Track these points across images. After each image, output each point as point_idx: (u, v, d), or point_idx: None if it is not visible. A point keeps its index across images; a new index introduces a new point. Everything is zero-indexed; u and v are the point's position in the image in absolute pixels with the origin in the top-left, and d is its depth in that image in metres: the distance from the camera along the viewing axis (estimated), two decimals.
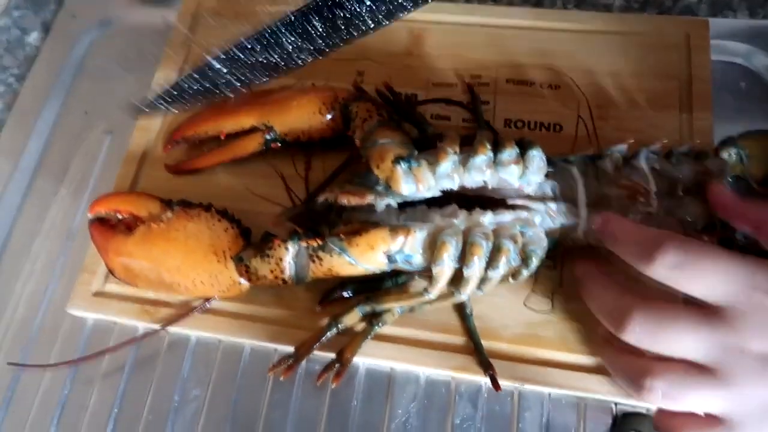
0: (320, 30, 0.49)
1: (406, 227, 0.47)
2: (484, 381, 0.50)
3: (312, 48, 0.50)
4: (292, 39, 0.50)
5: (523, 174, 0.48)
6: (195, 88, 0.52)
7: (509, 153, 0.47)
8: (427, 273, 0.47)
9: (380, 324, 0.50)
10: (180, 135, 0.59)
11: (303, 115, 0.56)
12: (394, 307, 0.50)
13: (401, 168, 0.47)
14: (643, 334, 0.39)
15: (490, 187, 0.48)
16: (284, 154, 0.57)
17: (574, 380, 0.49)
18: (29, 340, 0.56)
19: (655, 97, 0.58)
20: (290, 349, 0.52)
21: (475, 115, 0.59)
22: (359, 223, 0.49)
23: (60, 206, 0.62)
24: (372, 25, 0.50)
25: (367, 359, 0.52)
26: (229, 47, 0.50)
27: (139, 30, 0.71)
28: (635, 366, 0.40)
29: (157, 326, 0.54)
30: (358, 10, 0.49)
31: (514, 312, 0.51)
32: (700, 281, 0.37)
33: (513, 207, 0.48)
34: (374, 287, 0.51)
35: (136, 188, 0.60)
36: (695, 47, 0.60)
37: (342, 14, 0.49)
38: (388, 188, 0.48)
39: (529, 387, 0.50)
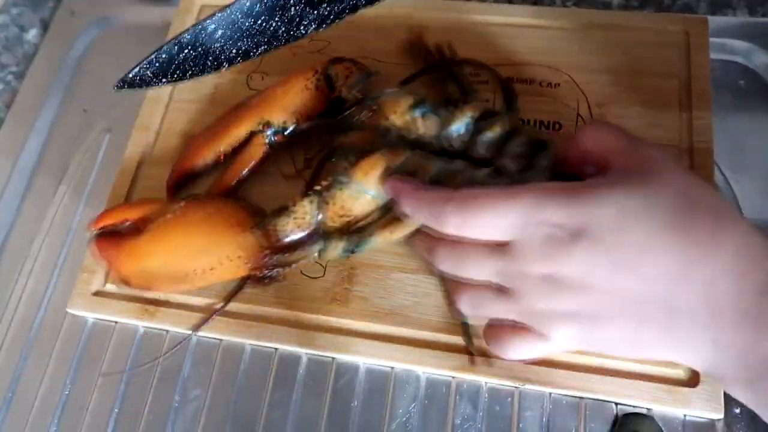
0: None
1: (405, 149, 0.49)
2: (485, 381, 0.50)
3: (316, 14, 0.50)
4: (297, 1, 0.49)
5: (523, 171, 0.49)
6: (184, 54, 0.49)
7: (517, 145, 0.49)
8: None
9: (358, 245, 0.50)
10: (177, 175, 0.58)
11: (292, 97, 0.56)
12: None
13: (420, 112, 0.50)
14: (448, 265, 0.45)
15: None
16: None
17: (574, 380, 0.49)
18: (29, 339, 0.56)
19: (654, 95, 0.58)
20: (293, 348, 0.52)
21: (504, 96, 0.59)
22: (360, 153, 0.50)
23: (59, 205, 0.62)
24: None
25: (367, 359, 0.52)
26: (227, 8, 0.48)
27: (138, 28, 0.71)
28: (451, 286, 0.47)
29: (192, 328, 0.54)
30: None
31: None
32: (483, 230, 0.42)
33: None
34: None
35: (136, 187, 0.60)
36: (694, 45, 0.60)
37: None
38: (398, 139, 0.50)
39: (529, 387, 0.50)
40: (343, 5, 0.50)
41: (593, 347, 0.43)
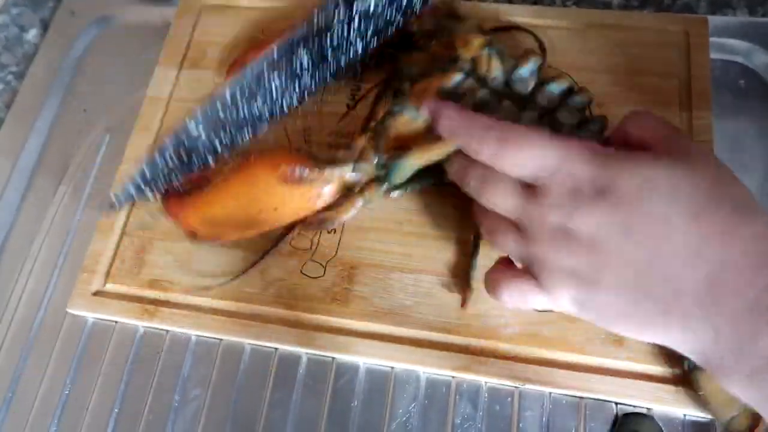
0: (306, 64, 0.50)
1: (457, 72, 0.50)
2: (485, 381, 0.50)
3: (299, 87, 0.51)
4: (277, 80, 0.49)
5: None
6: (170, 164, 0.50)
7: (579, 102, 0.52)
8: None
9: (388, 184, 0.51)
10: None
11: None
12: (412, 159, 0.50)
13: (486, 52, 0.51)
14: (473, 190, 0.46)
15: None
16: None
17: (574, 380, 0.49)
18: (29, 339, 0.56)
19: (654, 95, 0.58)
20: (292, 348, 0.52)
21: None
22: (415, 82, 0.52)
23: (59, 205, 0.62)
24: (360, 51, 0.51)
25: (367, 359, 0.52)
26: (207, 104, 0.49)
27: (138, 28, 0.71)
28: (474, 210, 0.48)
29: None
30: (346, 33, 0.50)
31: (514, 311, 0.51)
32: (515, 163, 0.43)
33: None
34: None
35: None
36: (695, 45, 0.60)
37: (329, 42, 0.50)
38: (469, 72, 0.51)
39: (529, 387, 0.50)
40: (324, 72, 0.52)
41: (586, 312, 0.42)
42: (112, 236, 0.57)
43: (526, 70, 0.51)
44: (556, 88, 0.50)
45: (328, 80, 0.52)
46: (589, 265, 0.40)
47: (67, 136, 0.66)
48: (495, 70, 0.51)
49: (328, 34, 0.49)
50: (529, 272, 0.44)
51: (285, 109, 0.51)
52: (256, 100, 0.50)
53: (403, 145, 0.50)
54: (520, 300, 0.45)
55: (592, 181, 0.40)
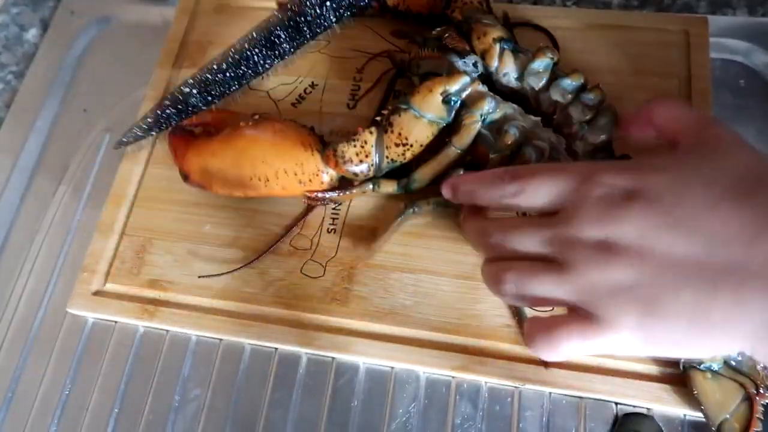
0: (284, 38, 0.54)
1: (462, 73, 0.51)
2: (485, 381, 0.50)
3: (276, 53, 0.55)
4: (258, 52, 0.54)
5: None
6: (169, 112, 0.56)
7: (590, 98, 0.50)
8: None
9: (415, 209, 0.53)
10: None
11: None
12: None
13: (499, 47, 0.52)
14: (497, 246, 0.43)
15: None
16: None
17: (574, 380, 0.49)
18: (29, 339, 0.56)
19: (654, 94, 0.58)
20: (292, 348, 0.52)
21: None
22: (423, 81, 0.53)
23: (59, 204, 0.62)
24: (335, 20, 0.55)
25: (367, 359, 0.52)
26: (200, 72, 0.55)
27: (137, 28, 0.71)
28: (493, 269, 0.43)
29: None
30: (320, 11, 0.53)
31: (513, 309, 0.51)
32: (536, 196, 0.41)
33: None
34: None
35: (139, 187, 0.60)
36: (695, 45, 0.60)
37: (304, 19, 0.53)
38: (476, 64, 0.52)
39: (529, 387, 0.50)
40: (300, 41, 0.55)
41: (654, 337, 0.38)
42: (112, 236, 0.58)
43: (541, 63, 0.51)
44: (569, 84, 0.50)
45: (305, 45, 0.55)
46: (644, 273, 0.37)
47: (67, 135, 0.66)
48: (507, 65, 0.51)
49: (303, 15, 0.54)
50: (581, 313, 0.39)
51: (267, 68, 0.56)
52: (239, 68, 0.55)
53: (408, 146, 0.51)
54: (578, 346, 0.39)
55: (620, 186, 0.38)
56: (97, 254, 0.57)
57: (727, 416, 0.46)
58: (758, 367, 0.46)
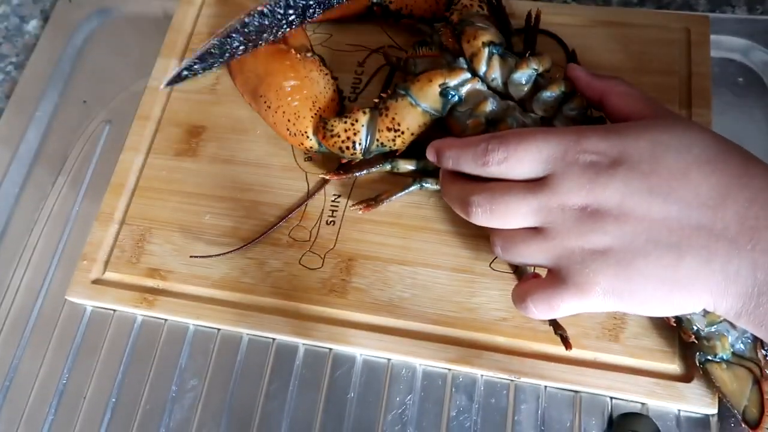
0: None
1: (463, 68, 0.52)
2: (481, 373, 0.51)
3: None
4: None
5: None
6: (216, 52, 0.56)
7: (571, 108, 0.50)
8: None
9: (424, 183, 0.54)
10: None
11: None
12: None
13: (488, 51, 0.51)
14: (483, 214, 0.44)
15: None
16: None
17: (570, 374, 0.49)
18: (27, 327, 0.56)
19: (654, 92, 0.57)
20: (290, 339, 0.53)
21: (566, 54, 0.61)
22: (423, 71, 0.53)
23: (58, 195, 0.62)
24: None
25: (364, 350, 0.52)
26: (243, 17, 0.55)
27: (138, 19, 0.71)
28: (491, 235, 0.46)
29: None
30: None
31: (511, 305, 0.51)
32: (523, 164, 0.43)
33: None
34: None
35: (140, 177, 0.60)
36: (695, 43, 0.60)
37: None
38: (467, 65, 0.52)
39: (525, 380, 0.50)
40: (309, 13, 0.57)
41: (624, 298, 0.41)
42: (112, 225, 0.58)
43: (522, 75, 0.51)
44: (549, 95, 0.50)
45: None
46: (622, 237, 0.40)
47: (66, 126, 0.66)
48: (495, 70, 0.51)
49: None
50: (557, 275, 0.42)
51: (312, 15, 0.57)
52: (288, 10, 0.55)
53: (399, 133, 0.52)
54: (546, 307, 0.43)
55: (604, 153, 0.41)
56: (97, 243, 0.57)
57: (746, 402, 0.46)
58: (760, 353, 0.47)
